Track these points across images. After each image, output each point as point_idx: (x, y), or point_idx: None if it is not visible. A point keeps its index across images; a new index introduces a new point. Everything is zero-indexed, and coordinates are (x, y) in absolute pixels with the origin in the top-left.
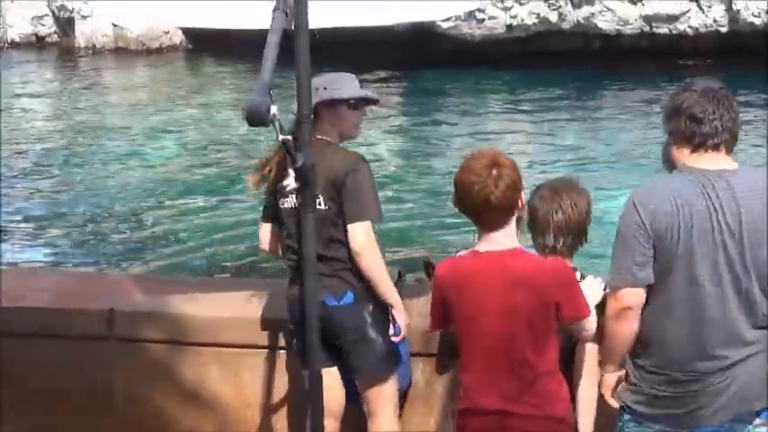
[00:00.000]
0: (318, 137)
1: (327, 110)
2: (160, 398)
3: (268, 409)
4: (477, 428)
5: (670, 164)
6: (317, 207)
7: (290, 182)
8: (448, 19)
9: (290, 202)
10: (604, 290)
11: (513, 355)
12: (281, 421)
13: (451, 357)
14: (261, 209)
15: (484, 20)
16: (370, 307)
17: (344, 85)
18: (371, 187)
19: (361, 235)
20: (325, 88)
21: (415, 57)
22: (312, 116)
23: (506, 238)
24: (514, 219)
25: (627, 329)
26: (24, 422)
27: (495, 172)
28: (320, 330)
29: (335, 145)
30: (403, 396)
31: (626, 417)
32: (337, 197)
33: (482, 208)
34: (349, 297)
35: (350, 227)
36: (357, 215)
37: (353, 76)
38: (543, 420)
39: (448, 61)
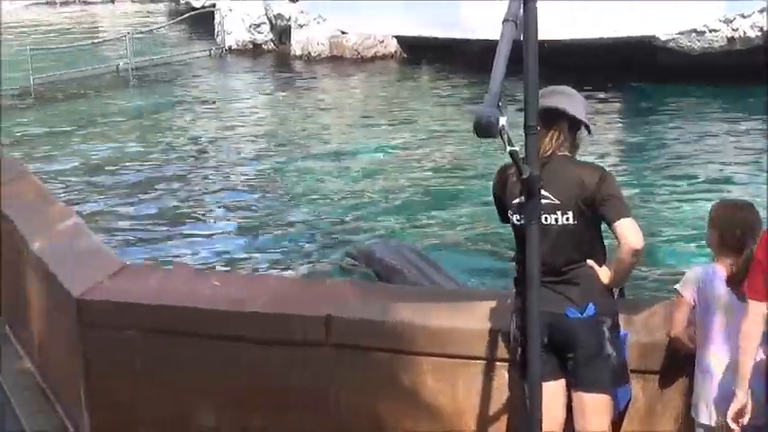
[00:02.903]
0: (562, 152)
1: (572, 128)
2: (375, 405)
3: (484, 421)
4: None
5: None
6: (566, 222)
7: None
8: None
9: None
10: None
11: None
12: None
13: (675, 375)
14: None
15: (704, 32)
16: (609, 321)
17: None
18: (621, 191)
19: (635, 227)
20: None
21: (633, 70)
22: (559, 132)
23: None
24: None
25: None
26: (238, 425)
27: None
28: (554, 341)
29: (577, 160)
30: (620, 415)
31: None
32: (588, 210)
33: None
34: (591, 309)
35: (621, 222)
36: (623, 212)
37: None
38: None
39: (666, 75)
